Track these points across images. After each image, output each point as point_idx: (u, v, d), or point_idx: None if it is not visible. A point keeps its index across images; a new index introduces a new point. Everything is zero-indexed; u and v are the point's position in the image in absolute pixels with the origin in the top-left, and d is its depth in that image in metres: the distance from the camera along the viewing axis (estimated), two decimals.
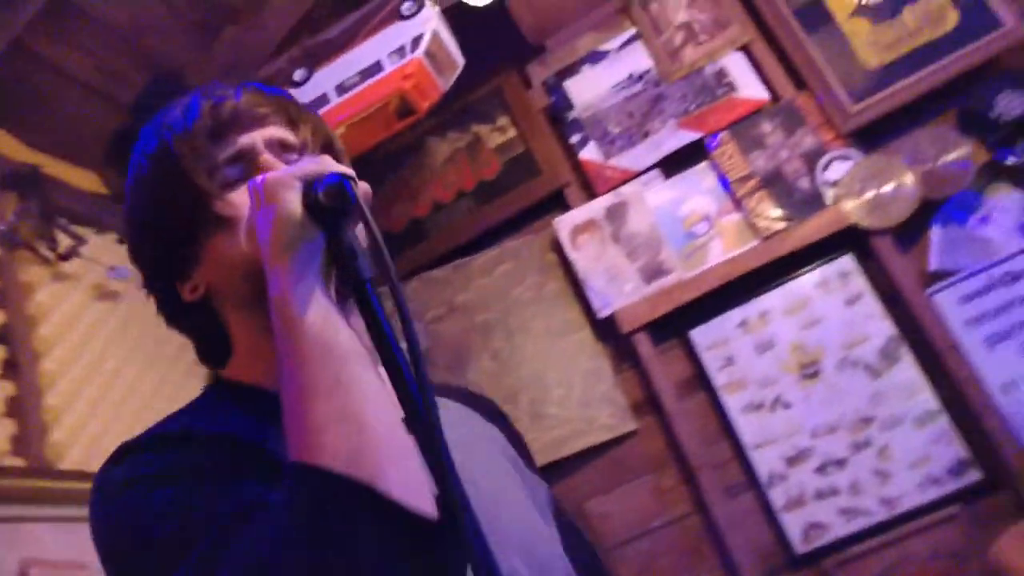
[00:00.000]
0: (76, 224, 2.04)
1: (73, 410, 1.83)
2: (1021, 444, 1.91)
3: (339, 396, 0.61)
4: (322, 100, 2.05)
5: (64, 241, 1.94)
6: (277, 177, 0.66)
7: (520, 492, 0.83)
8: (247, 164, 0.76)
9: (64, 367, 1.86)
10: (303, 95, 2.06)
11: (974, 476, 1.97)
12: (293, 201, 0.65)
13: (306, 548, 0.56)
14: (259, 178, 0.68)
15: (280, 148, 0.78)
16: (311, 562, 0.56)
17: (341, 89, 2.06)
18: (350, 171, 0.67)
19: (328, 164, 0.67)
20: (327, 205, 0.64)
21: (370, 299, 0.63)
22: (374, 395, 0.62)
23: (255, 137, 0.77)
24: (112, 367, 2.01)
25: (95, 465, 1.88)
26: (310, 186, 0.65)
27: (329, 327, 0.63)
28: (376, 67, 2.03)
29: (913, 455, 2.03)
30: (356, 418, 0.60)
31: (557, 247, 2.39)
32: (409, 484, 0.59)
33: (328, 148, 0.83)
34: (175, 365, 2.23)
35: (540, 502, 0.86)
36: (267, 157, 0.76)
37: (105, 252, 2.14)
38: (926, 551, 1.94)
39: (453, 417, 0.80)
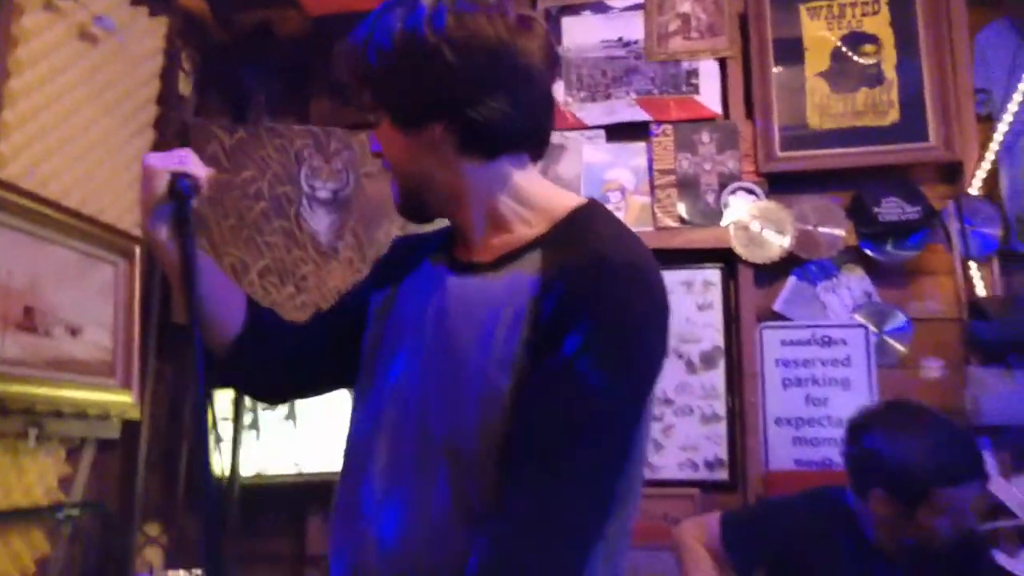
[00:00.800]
0: None
1: (24, 130, 2.03)
2: (764, 468, 2.36)
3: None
4: None
5: None
6: (155, 167, 1.05)
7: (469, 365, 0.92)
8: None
9: (28, 90, 2.05)
10: None
11: (720, 475, 2.43)
12: (160, 186, 1.05)
13: None
14: (147, 160, 1.06)
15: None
16: None
17: None
18: (198, 174, 1.06)
19: (192, 168, 1.06)
20: (179, 196, 1.05)
21: (188, 249, 1.05)
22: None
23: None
24: (71, 104, 2.20)
25: (29, 183, 2.27)
26: (177, 176, 1.05)
27: (168, 252, 1.08)
28: None
29: (687, 441, 2.46)
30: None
31: None
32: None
33: (370, 86, 1.00)
34: (128, 120, 2.43)
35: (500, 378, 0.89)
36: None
37: None
38: (659, 512, 2.40)
39: (487, 281, 0.96)
